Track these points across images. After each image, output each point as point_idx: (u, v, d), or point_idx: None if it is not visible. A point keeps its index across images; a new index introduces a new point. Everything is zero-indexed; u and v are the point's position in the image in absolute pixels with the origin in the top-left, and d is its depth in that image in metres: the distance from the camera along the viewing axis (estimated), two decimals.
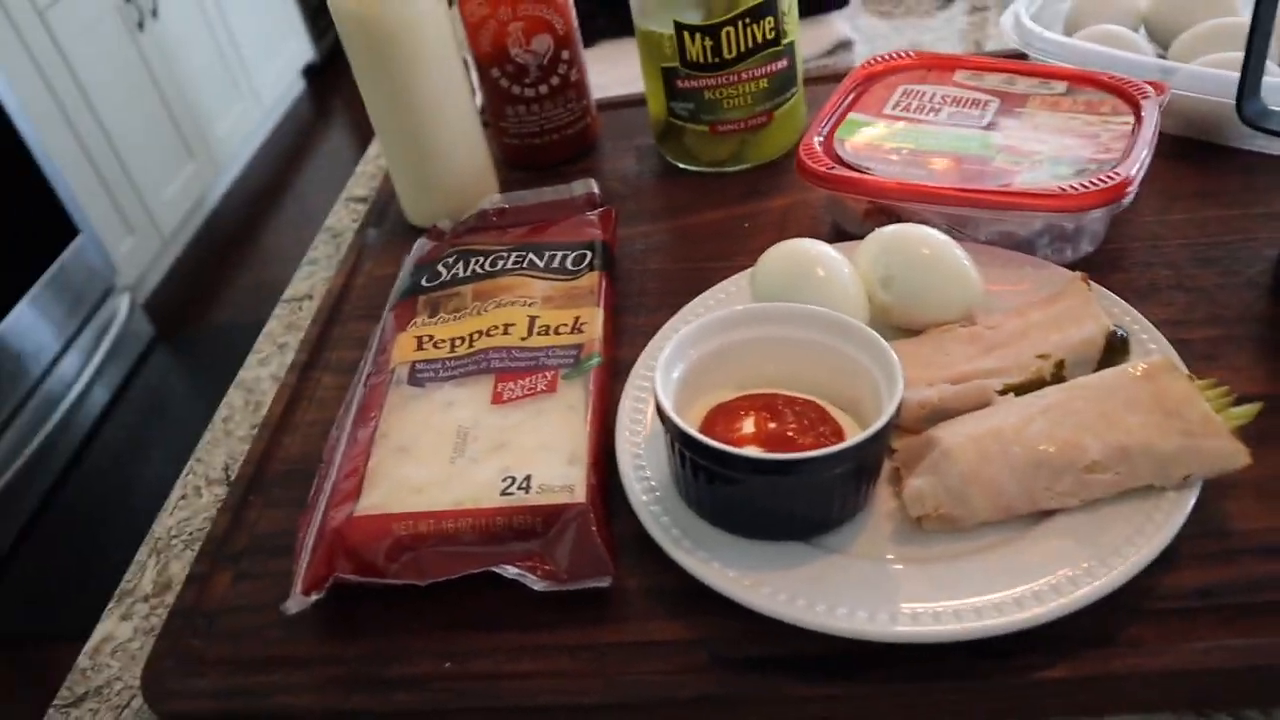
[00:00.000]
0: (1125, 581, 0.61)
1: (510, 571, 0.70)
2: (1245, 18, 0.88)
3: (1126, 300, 0.80)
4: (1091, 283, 0.78)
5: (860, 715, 0.63)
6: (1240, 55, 0.81)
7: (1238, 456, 0.63)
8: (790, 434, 0.69)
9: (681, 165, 1.08)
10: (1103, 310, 0.75)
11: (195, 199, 3.56)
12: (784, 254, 0.79)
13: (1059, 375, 0.72)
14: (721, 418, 0.71)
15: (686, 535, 0.68)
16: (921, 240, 0.78)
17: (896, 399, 0.65)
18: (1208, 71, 0.93)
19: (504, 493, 0.73)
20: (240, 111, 4.12)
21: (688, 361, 0.72)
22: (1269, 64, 0.93)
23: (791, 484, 0.65)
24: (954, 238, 0.85)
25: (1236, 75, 0.82)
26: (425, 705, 0.67)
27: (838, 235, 0.94)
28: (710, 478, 0.66)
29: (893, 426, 0.65)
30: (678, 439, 0.66)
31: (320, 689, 0.68)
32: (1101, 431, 0.65)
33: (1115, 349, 0.74)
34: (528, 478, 0.73)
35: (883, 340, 0.69)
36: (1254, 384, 0.75)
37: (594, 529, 0.70)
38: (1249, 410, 0.65)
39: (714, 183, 1.06)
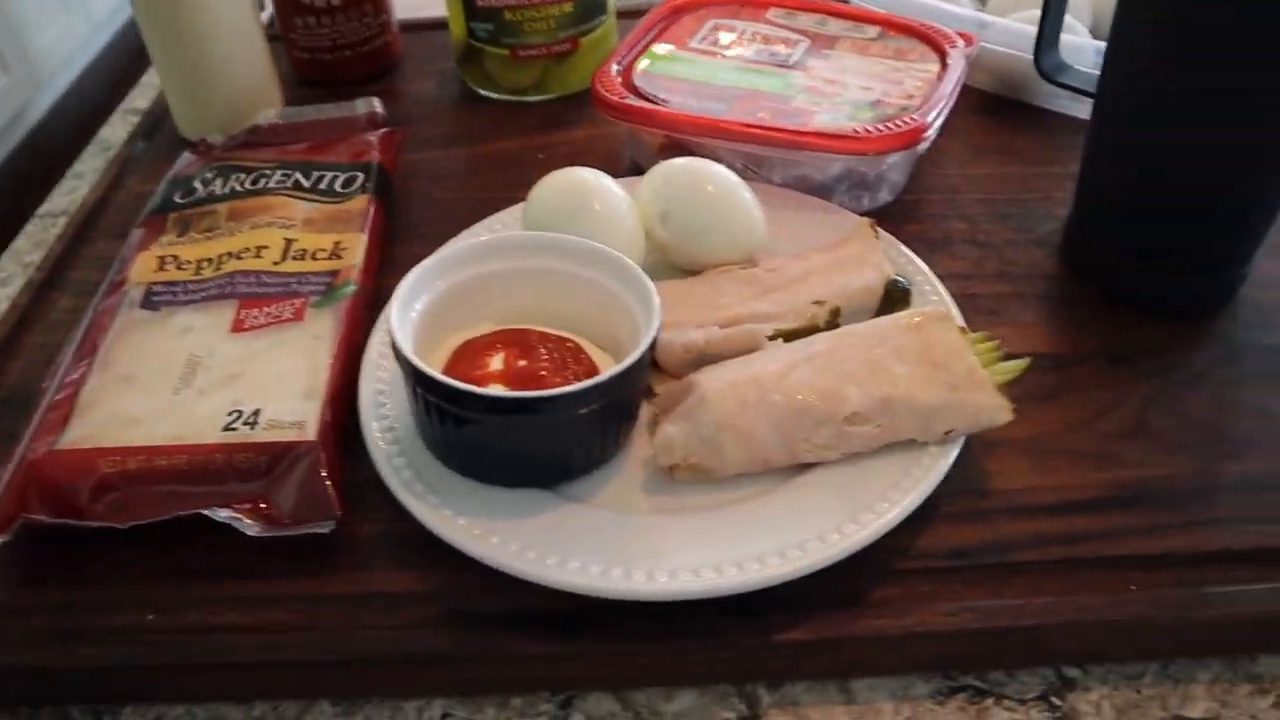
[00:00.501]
0: (875, 539, 0.57)
1: (221, 514, 0.62)
2: None
3: (918, 252, 0.77)
4: (879, 230, 0.74)
5: (592, 675, 0.58)
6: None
7: (1000, 412, 0.60)
8: (542, 372, 0.63)
9: (482, 92, 1.01)
10: (886, 259, 0.72)
11: (10, 115, 3.28)
12: (557, 184, 0.73)
13: (833, 323, 0.68)
14: (469, 354, 0.65)
15: (422, 479, 0.62)
16: (705, 176, 0.73)
17: (651, 335, 0.60)
18: (1016, 26, 0.91)
19: (227, 428, 0.65)
20: (66, 25, 3.83)
21: (434, 294, 0.65)
22: (1076, 25, 0.91)
23: (530, 424, 0.59)
24: (748, 179, 0.81)
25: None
26: (120, 661, 0.58)
27: (634, 172, 0.88)
28: (445, 417, 0.59)
29: (645, 366, 0.60)
30: (410, 375, 0.59)
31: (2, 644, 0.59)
32: (865, 381, 0.61)
33: (896, 299, 0.70)
34: (256, 412, 0.65)
35: (643, 274, 0.64)
36: (1034, 342, 0.73)
37: (322, 471, 0.63)
38: (1017, 366, 0.63)
39: (514, 111, 0.99)
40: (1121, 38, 0.69)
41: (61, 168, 1.08)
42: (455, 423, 0.59)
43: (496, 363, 0.64)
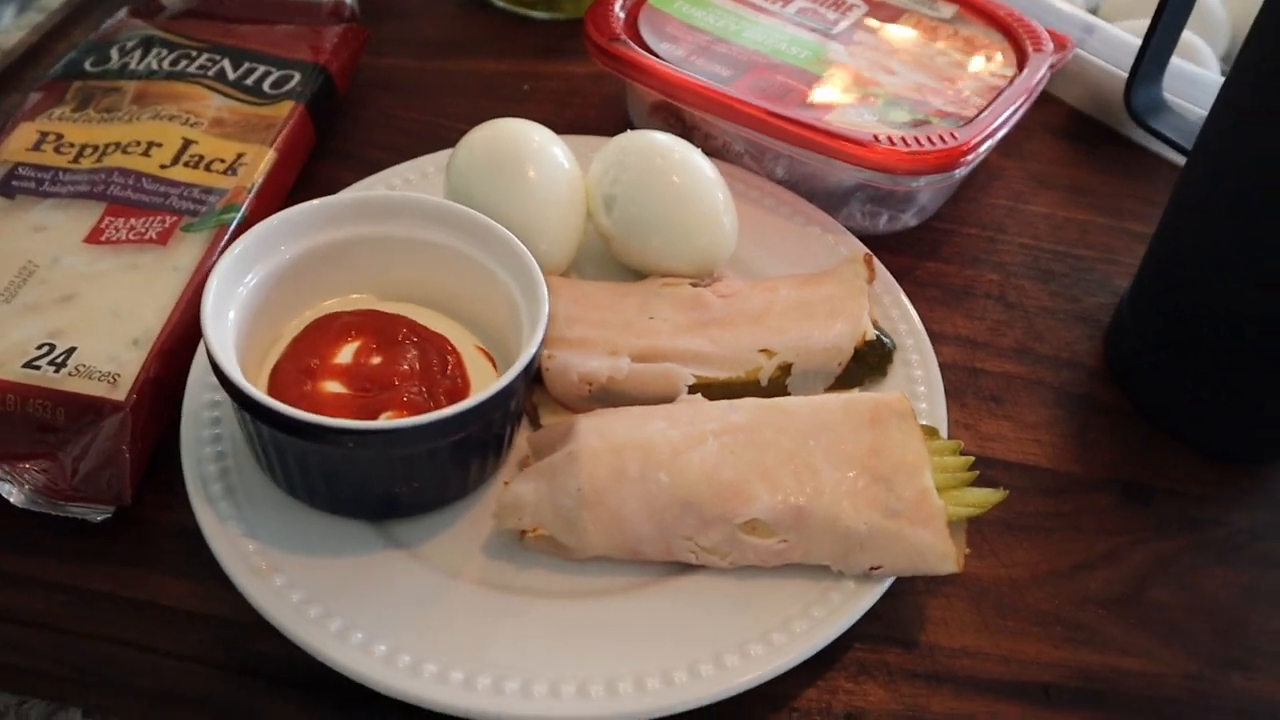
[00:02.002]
0: (736, 693, 0.44)
1: None
2: None
3: (930, 299, 0.62)
4: (878, 266, 0.59)
5: None
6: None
7: (944, 561, 0.46)
8: (394, 378, 0.50)
9: None
10: (869, 309, 0.57)
11: None
12: (491, 138, 0.59)
13: (778, 384, 0.54)
14: (320, 335, 0.53)
15: (227, 476, 0.50)
16: (671, 162, 0.58)
17: (528, 355, 0.47)
18: (1127, 38, 0.73)
19: (30, 364, 0.54)
20: None
21: (278, 260, 0.52)
22: (1203, 49, 0.73)
23: (357, 456, 0.46)
24: (744, 166, 0.66)
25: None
26: None
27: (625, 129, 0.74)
28: (257, 428, 0.47)
29: (515, 393, 0.47)
30: (215, 371, 0.47)
31: None
32: (780, 481, 0.47)
33: (869, 363, 0.56)
34: (69, 352, 0.54)
35: (536, 270, 0.50)
36: (1034, 451, 0.58)
37: (125, 443, 0.52)
38: (987, 497, 0.48)
39: (514, 27, 0.84)
40: (1251, 73, 0.52)
41: None
42: (268, 437, 0.47)
43: (345, 354, 0.52)
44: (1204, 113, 0.68)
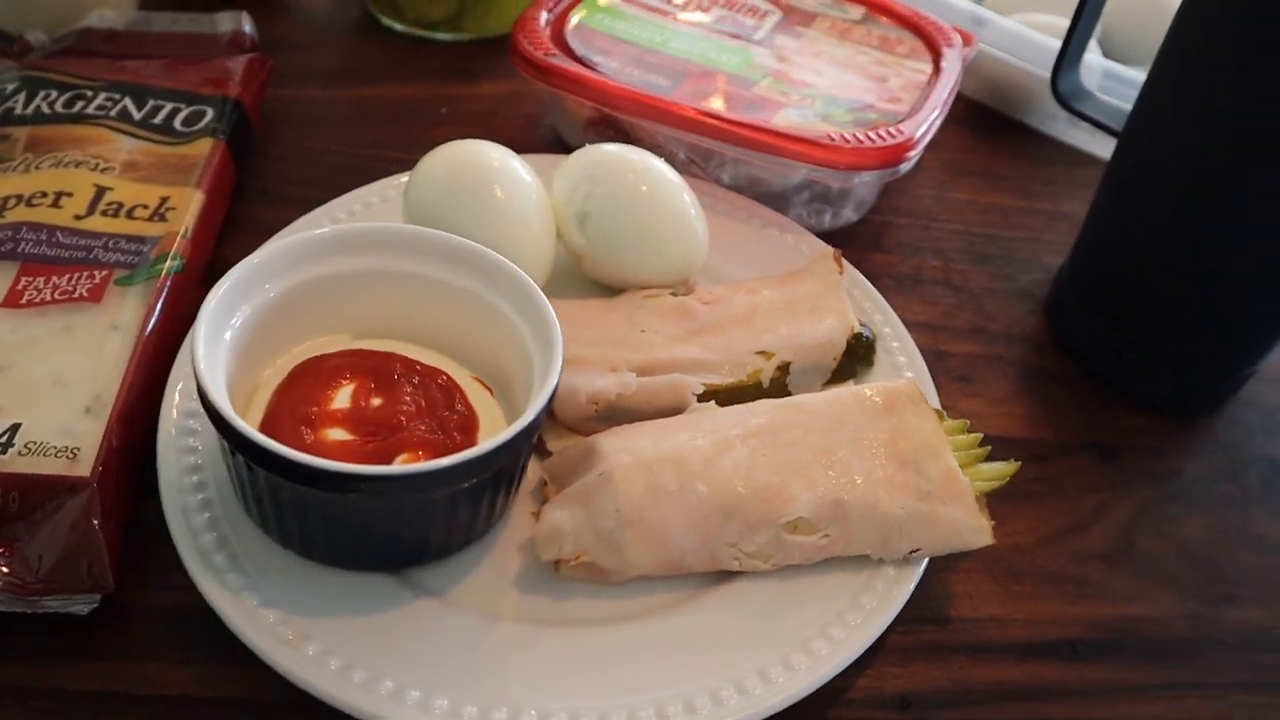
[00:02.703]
0: (810, 692, 0.44)
1: None
2: None
3: (884, 289, 0.64)
4: (845, 264, 0.60)
5: None
6: (1067, 20, 0.65)
7: (980, 534, 0.48)
8: (400, 419, 0.48)
9: (384, 21, 0.83)
10: (849, 302, 0.58)
11: None
12: (452, 160, 0.57)
13: (779, 383, 0.55)
14: (310, 380, 0.49)
15: (227, 545, 0.47)
16: (639, 172, 0.58)
17: (548, 389, 0.45)
18: (1024, 31, 0.77)
19: None
20: None
21: (262, 302, 0.49)
22: (1092, 41, 0.78)
23: (375, 504, 0.44)
24: (690, 174, 0.66)
25: (1056, 42, 0.66)
26: None
27: (558, 148, 0.73)
28: (262, 482, 0.44)
29: (537, 429, 0.46)
30: (216, 425, 0.44)
31: None
32: (816, 478, 0.47)
33: (858, 355, 0.57)
34: (13, 429, 0.49)
35: (543, 299, 0.49)
36: (1009, 423, 0.60)
37: (97, 520, 0.47)
38: (1003, 470, 0.50)
39: (419, 50, 0.82)
40: (1175, 65, 0.56)
41: None
42: (282, 493, 0.44)
43: (343, 398, 0.49)
44: (1117, 103, 0.74)
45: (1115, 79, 0.75)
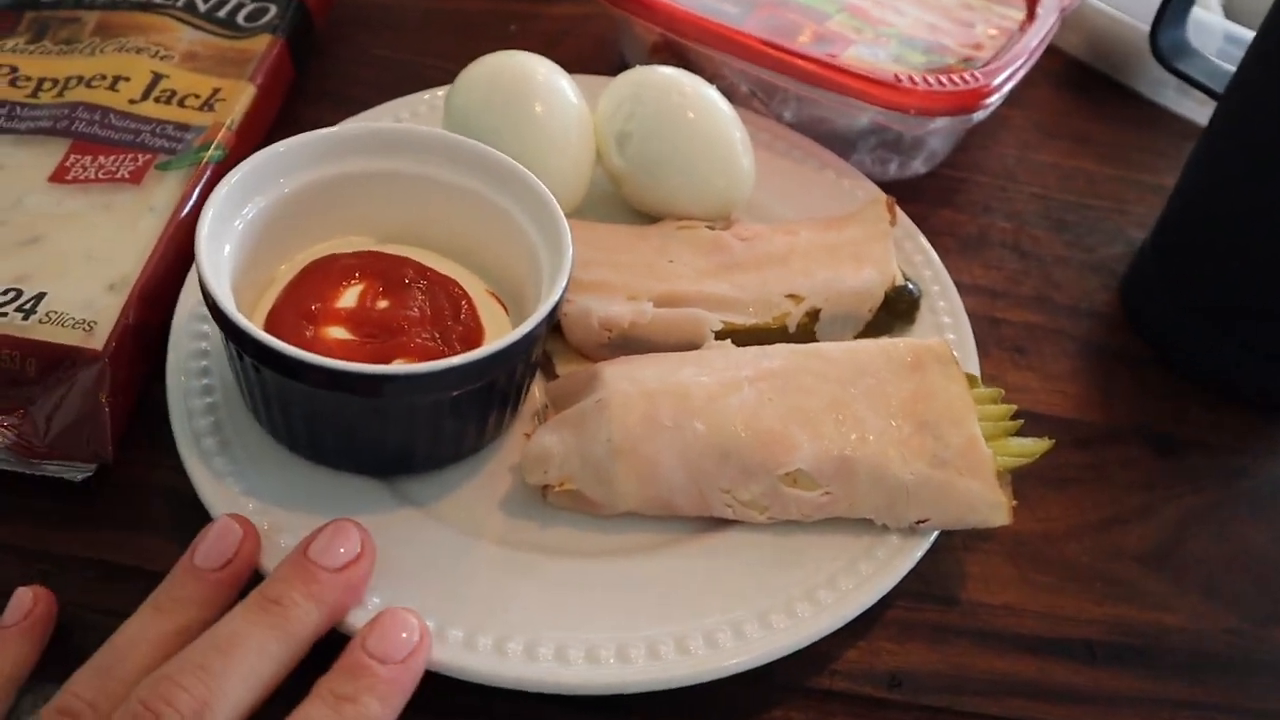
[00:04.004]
0: (784, 654, 0.41)
1: None
2: None
3: (944, 249, 0.60)
4: (898, 211, 0.57)
5: None
6: None
7: (996, 511, 0.44)
8: (402, 324, 0.47)
9: None
10: (895, 254, 0.54)
11: None
12: (494, 72, 0.55)
13: (806, 330, 0.51)
14: (320, 277, 0.48)
15: (220, 430, 0.46)
16: (687, 98, 0.55)
17: (553, 299, 0.44)
18: None
19: None
20: None
21: (275, 196, 0.48)
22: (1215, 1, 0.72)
23: (367, 405, 0.43)
24: (751, 109, 0.63)
25: None
26: None
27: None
28: (258, 375, 0.43)
29: (538, 339, 0.44)
30: (213, 315, 0.43)
31: None
32: (823, 429, 0.44)
33: (899, 311, 0.53)
34: (38, 297, 0.50)
35: (557, 209, 0.47)
36: (1061, 402, 0.56)
37: (104, 395, 0.47)
38: (1034, 447, 0.46)
39: None
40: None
41: None
42: (270, 384, 0.43)
43: (349, 297, 0.48)
44: (1223, 65, 0.67)
45: (1237, 43, 0.69)
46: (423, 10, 0.76)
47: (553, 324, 0.46)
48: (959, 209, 0.65)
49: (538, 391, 0.50)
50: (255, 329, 0.41)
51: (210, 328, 0.50)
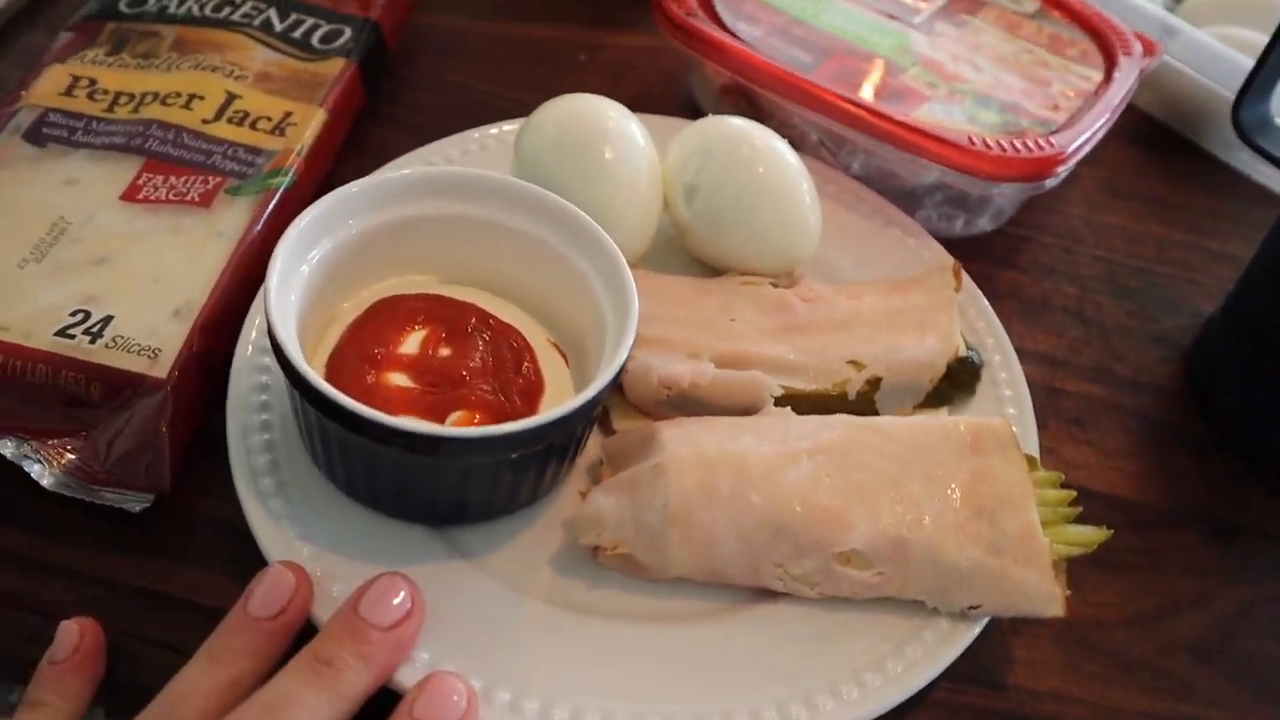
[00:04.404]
0: None
1: (8, 450, 0.48)
2: None
3: (1007, 311, 0.59)
4: (964, 277, 0.56)
5: None
6: (1264, 37, 0.58)
7: (1050, 603, 0.44)
8: (463, 375, 0.47)
9: None
10: (960, 320, 0.54)
11: None
12: (564, 115, 0.55)
13: (866, 399, 0.51)
14: (383, 320, 0.49)
15: (278, 470, 0.47)
16: (758, 151, 0.54)
17: (619, 361, 0.44)
18: (1217, 46, 0.70)
19: (63, 332, 0.50)
20: None
21: (345, 234, 0.49)
22: None
23: (424, 463, 0.43)
24: (818, 158, 0.63)
25: (1248, 62, 0.59)
26: None
27: (690, 111, 0.70)
28: (320, 424, 0.44)
29: (602, 401, 0.44)
30: (281, 366, 0.43)
31: None
32: (880, 508, 0.44)
33: (959, 382, 0.53)
34: (106, 320, 0.50)
35: (626, 268, 0.47)
36: (1118, 480, 0.55)
37: (164, 424, 0.48)
38: (1092, 536, 0.45)
39: None
40: None
41: None
42: (330, 431, 0.44)
43: (412, 343, 0.48)
44: None
45: None
46: (493, 35, 0.76)
47: (617, 384, 0.46)
48: (1023, 270, 0.64)
49: (595, 443, 0.50)
50: (321, 382, 0.41)
51: (271, 362, 0.50)
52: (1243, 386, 0.56)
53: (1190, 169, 0.74)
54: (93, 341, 0.49)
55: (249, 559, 0.45)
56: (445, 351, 0.48)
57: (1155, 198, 0.71)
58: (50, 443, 0.49)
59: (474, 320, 0.49)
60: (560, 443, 0.45)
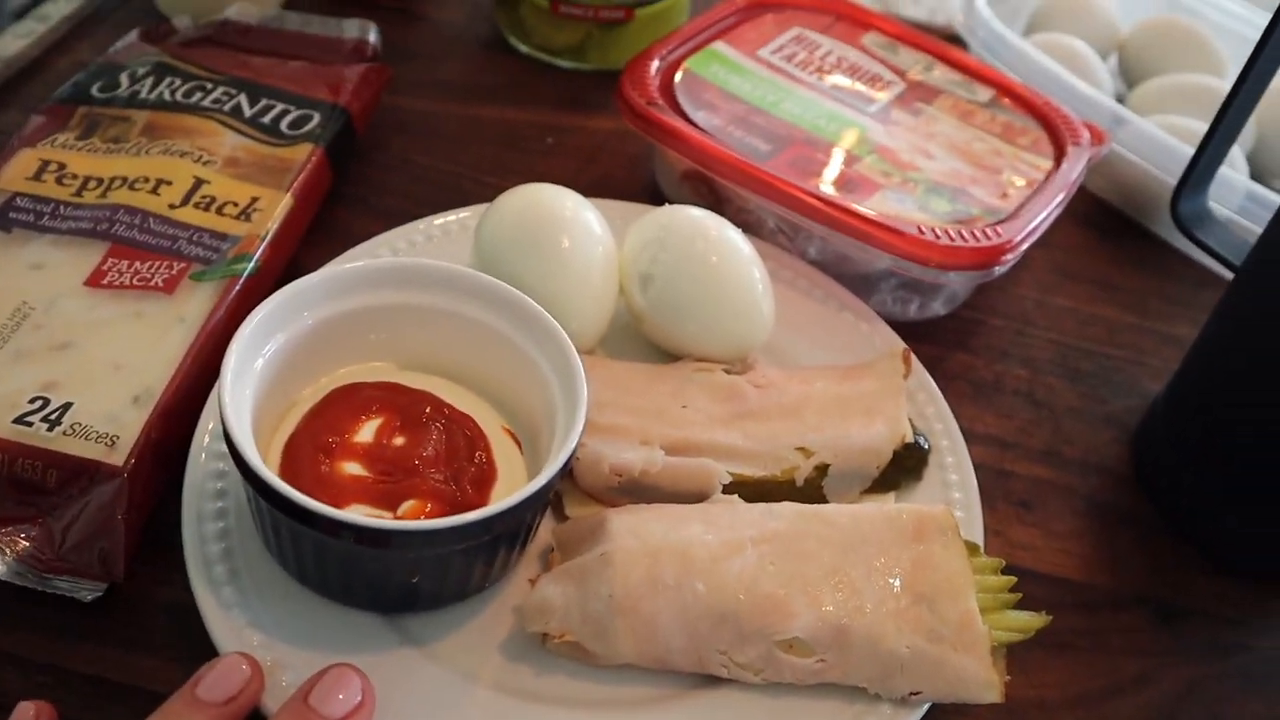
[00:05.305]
0: None
1: None
2: (1228, 82, 0.68)
3: (959, 394, 0.61)
4: (914, 362, 0.58)
5: None
6: (1204, 126, 0.60)
7: (987, 690, 0.44)
8: (415, 463, 0.48)
9: (511, 40, 0.84)
10: (909, 405, 0.55)
11: None
12: (522, 206, 0.56)
13: (814, 485, 0.52)
14: (340, 407, 0.50)
15: (231, 558, 0.47)
16: (711, 242, 0.56)
17: (565, 454, 0.45)
18: (1162, 137, 0.72)
19: (21, 419, 0.50)
20: None
21: (300, 326, 0.50)
22: (1233, 153, 0.72)
23: (374, 554, 0.44)
24: (776, 243, 0.64)
25: (1191, 152, 0.61)
26: None
27: (654, 194, 0.72)
28: (268, 515, 0.45)
29: (550, 492, 0.45)
30: (231, 454, 0.44)
31: None
32: (821, 596, 0.45)
33: (906, 466, 0.54)
34: (64, 408, 0.51)
35: (576, 358, 0.48)
36: (1064, 562, 0.56)
37: (120, 512, 0.48)
38: (1030, 622, 0.46)
39: (540, 75, 0.82)
40: None
41: None
42: (282, 523, 0.44)
43: (367, 431, 0.49)
44: (1237, 218, 0.68)
45: (1260, 203, 0.69)
46: (463, 118, 0.78)
47: (565, 474, 0.47)
48: (975, 353, 0.66)
49: (546, 532, 0.51)
50: (271, 475, 0.42)
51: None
52: (1185, 468, 0.58)
53: (1140, 252, 0.76)
54: (50, 429, 0.50)
55: (201, 646, 0.45)
56: (399, 440, 0.49)
57: (1106, 280, 0.73)
58: (3, 530, 0.49)
59: (429, 409, 0.50)
60: (509, 532, 0.46)
